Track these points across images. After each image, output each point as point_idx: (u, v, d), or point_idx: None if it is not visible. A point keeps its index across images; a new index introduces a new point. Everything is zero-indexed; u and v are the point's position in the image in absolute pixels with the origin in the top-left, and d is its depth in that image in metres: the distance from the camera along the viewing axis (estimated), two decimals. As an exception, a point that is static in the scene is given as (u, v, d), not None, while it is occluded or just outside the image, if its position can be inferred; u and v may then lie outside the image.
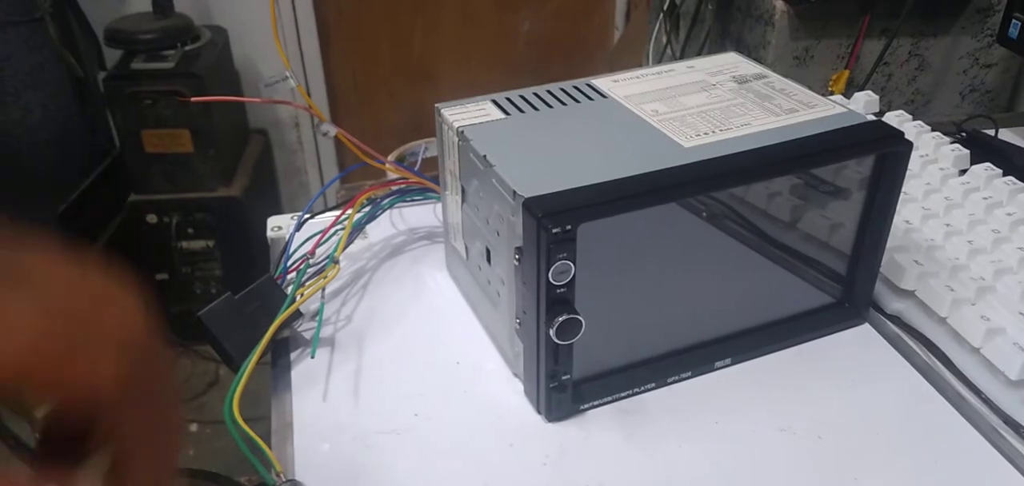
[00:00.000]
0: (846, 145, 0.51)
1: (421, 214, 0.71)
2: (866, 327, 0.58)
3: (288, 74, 0.61)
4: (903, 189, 0.54)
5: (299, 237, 0.61)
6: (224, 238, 1.73)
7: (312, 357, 0.55)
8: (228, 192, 1.70)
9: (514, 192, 0.45)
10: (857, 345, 0.56)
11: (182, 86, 1.57)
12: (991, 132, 0.79)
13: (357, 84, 2.03)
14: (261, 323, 0.53)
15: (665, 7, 1.40)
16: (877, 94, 0.83)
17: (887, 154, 0.51)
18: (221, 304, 0.53)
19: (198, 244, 1.73)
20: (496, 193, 0.48)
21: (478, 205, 0.52)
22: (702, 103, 0.55)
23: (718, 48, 1.31)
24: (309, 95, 1.55)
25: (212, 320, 0.52)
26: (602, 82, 0.59)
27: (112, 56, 1.67)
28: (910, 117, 0.78)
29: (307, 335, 0.57)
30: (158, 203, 1.69)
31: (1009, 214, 0.63)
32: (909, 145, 0.51)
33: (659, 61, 1.46)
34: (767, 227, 0.53)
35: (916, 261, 0.58)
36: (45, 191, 1.62)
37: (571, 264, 0.44)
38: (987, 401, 0.51)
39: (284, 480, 0.45)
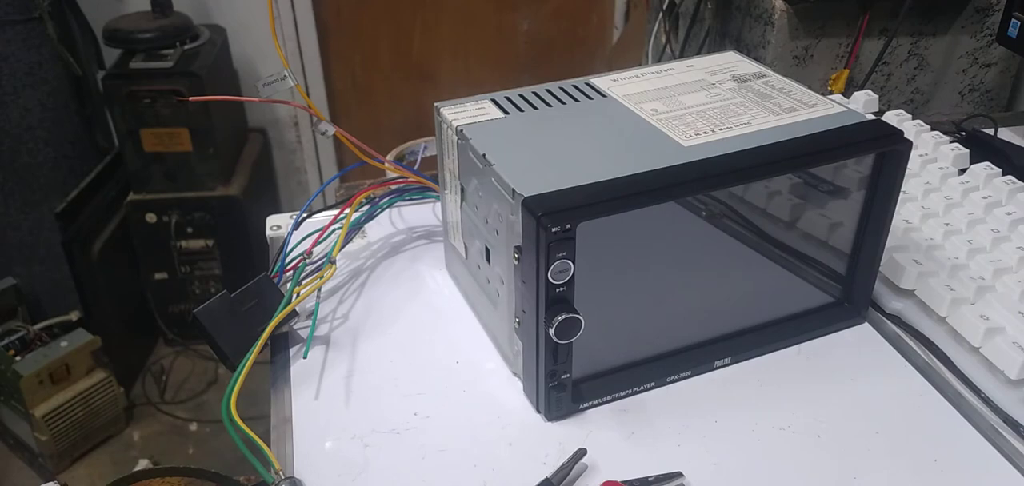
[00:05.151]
0: (845, 144, 0.51)
1: (420, 213, 0.71)
2: (866, 326, 0.58)
3: (286, 73, 0.61)
4: (902, 188, 0.53)
5: (297, 236, 0.61)
6: (223, 237, 1.73)
7: (304, 357, 0.55)
8: (227, 191, 1.70)
9: (513, 191, 0.45)
10: (857, 344, 0.56)
11: (181, 85, 1.57)
12: (990, 131, 0.79)
13: (356, 83, 2.03)
14: (257, 322, 0.53)
15: (664, 6, 1.40)
16: (876, 93, 0.83)
17: (886, 153, 0.51)
18: (217, 302, 0.53)
19: (197, 243, 1.73)
20: (495, 192, 0.48)
21: (477, 204, 0.52)
22: (701, 102, 0.55)
23: (717, 47, 1.31)
24: (308, 94, 1.55)
25: (208, 318, 0.52)
26: (601, 81, 0.59)
27: (111, 55, 1.67)
28: (909, 116, 0.78)
29: (304, 333, 0.57)
30: (157, 202, 1.68)
31: (1008, 213, 0.63)
32: (908, 144, 0.51)
33: (658, 60, 1.46)
34: (767, 226, 0.53)
35: (915, 260, 0.58)
36: (44, 190, 1.62)
37: (570, 263, 0.44)
38: (986, 400, 0.51)
39: (283, 478, 0.45)
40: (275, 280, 0.57)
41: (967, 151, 0.71)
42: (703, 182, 0.47)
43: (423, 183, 0.66)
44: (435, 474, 0.47)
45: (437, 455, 0.48)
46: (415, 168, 0.66)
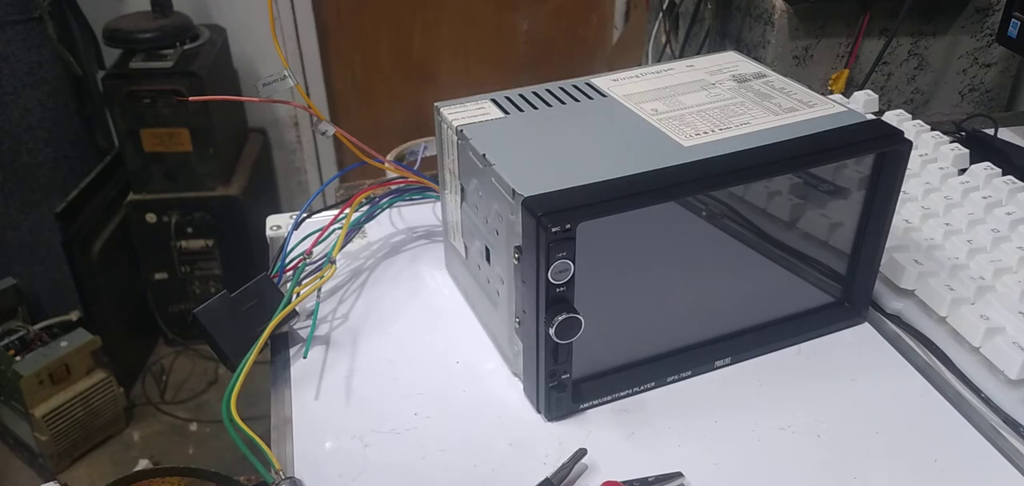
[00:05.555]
0: (846, 144, 0.51)
1: (420, 213, 0.71)
2: (866, 326, 0.58)
3: (286, 73, 0.61)
4: (903, 188, 0.53)
5: (297, 236, 0.61)
6: (223, 237, 1.73)
7: (304, 357, 0.55)
8: (227, 191, 1.70)
9: (513, 191, 0.45)
10: (857, 344, 0.56)
11: (181, 85, 1.57)
12: (990, 131, 0.79)
13: (356, 83, 2.03)
14: (257, 322, 0.53)
15: (664, 6, 1.40)
16: (876, 93, 0.83)
17: (886, 153, 0.51)
18: (217, 302, 0.53)
19: (197, 243, 1.73)
20: (495, 192, 0.48)
21: (477, 204, 0.52)
22: (701, 102, 0.55)
23: (717, 47, 1.31)
24: (308, 94, 1.55)
25: (207, 318, 0.52)
26: (601, 81, 0.59)
27: (111, 55, 1.67)
28: (909, 116, 0.78)
29: (304, 333, 0.57)
30: (157, 202, 1.68)
31: (1008, 213, 0.63)
32: (908, 144, 0.51)
33: (658, 60, 1.46)
34: (767, 226, 0.53)
35: (916, 260, 0.58)
36: (44, 190, 1.62)
37: (570, 263, 0.44)
38: (987, 400, 0.51)
39: (283, 478, 0.45)
40: (275, 280, 0.57)
41: (967, 151, 0.71)
42: (703, 182, 0.47)
43: (423, 183, 0.66)
44: (435, 474, 0.47)
45: (437, 455, 0.48)
46: (415, 168, 0.66)
